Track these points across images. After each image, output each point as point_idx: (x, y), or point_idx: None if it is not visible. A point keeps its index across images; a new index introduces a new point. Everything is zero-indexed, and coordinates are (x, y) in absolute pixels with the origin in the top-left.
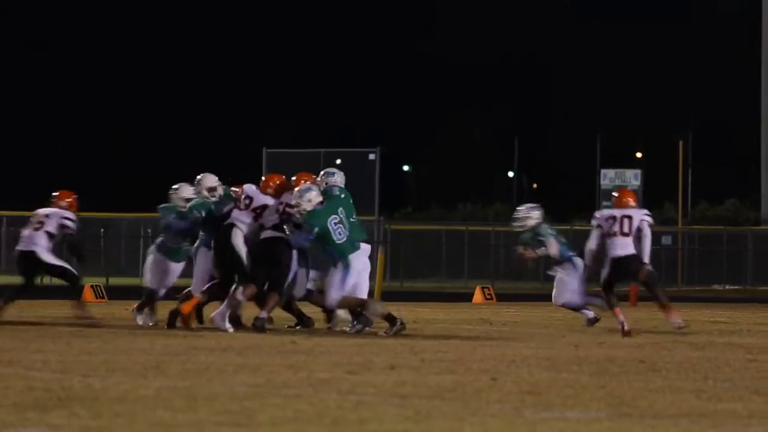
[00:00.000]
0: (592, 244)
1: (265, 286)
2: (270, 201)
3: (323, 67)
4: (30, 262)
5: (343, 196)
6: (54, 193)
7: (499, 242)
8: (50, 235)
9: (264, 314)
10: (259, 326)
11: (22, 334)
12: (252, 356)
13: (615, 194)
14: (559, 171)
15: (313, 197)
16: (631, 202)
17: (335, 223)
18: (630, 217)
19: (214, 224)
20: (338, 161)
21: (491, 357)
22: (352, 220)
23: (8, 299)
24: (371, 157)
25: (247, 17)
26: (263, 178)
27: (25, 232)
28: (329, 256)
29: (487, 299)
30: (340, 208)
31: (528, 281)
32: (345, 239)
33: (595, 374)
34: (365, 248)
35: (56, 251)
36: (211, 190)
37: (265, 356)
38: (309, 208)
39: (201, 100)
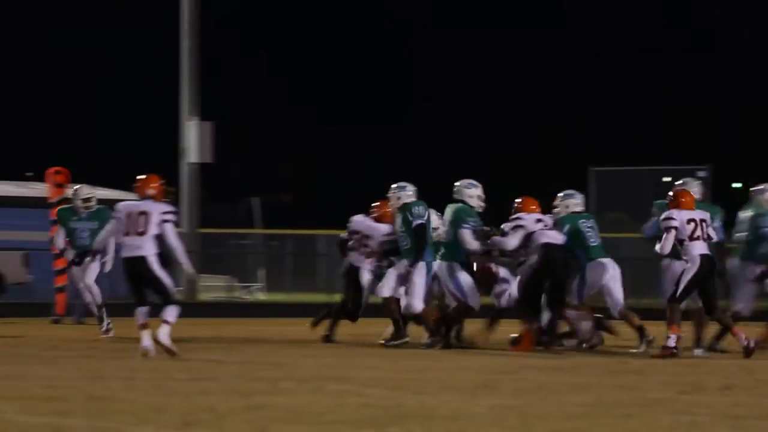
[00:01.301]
0: (666, 248)
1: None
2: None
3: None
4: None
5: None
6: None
7: None
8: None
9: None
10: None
11: (350, 352)
12: (582, 375)
13: (676, 195)
14: None
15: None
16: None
17: (588, 226)
18: (704, 221)
19: None
20: (666, 179)
21: None
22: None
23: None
24: (701, 174)
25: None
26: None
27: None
28: (576, 259)
29: None
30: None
31: None
32: (597, 243)
33: None
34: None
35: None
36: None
37: (596, 376)
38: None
39: (527, 122)
